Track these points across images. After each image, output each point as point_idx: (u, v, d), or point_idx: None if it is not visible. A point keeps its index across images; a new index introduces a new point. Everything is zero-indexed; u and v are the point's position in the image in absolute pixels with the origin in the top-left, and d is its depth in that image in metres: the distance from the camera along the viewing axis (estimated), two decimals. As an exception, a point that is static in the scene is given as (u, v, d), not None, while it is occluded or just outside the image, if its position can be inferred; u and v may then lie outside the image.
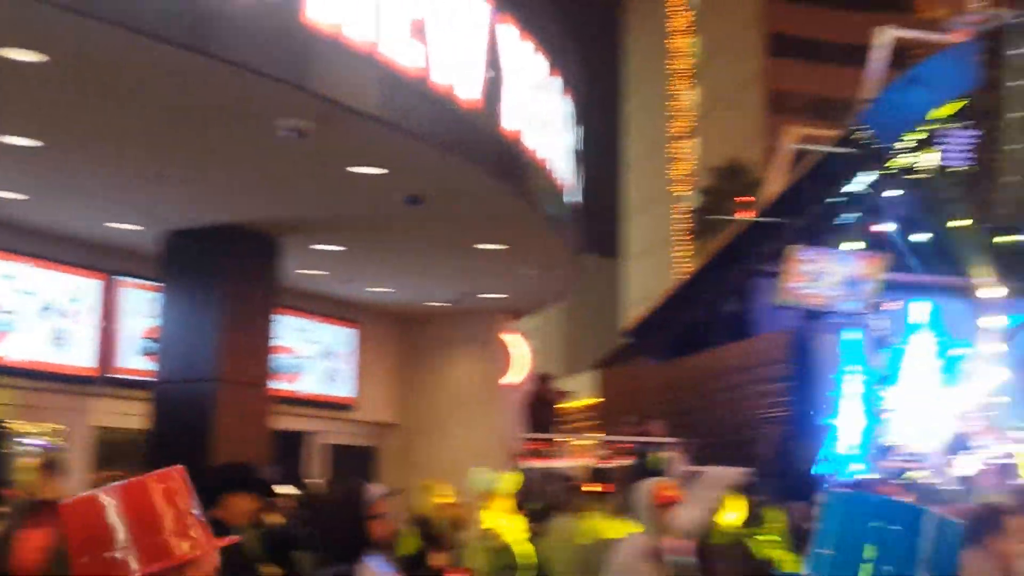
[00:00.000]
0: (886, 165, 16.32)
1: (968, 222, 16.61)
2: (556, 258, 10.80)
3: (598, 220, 41.18)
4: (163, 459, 2.32)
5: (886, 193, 16.31)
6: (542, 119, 8.95)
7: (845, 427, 15.62)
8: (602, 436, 16.68)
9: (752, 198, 29.58)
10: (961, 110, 15.70)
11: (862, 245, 16.84)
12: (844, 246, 16.63)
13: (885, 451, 15.92)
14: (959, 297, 19.08)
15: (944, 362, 18.45)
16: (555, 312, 52.04)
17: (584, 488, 9.23)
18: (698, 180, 48.42)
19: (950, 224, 17.27)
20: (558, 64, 9.38)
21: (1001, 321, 18.52)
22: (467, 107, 7.39)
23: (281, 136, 6.47)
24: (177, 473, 2.10)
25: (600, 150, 44.21)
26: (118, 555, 1.94)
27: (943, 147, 16.36)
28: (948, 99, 15.66)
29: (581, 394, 24.54)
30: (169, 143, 7.02)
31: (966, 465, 15.39)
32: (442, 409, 13.35)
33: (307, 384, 12.32)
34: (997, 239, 17.52)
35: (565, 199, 10.21)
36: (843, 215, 16.90)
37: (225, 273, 9.14)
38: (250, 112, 6.36)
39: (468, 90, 7.36)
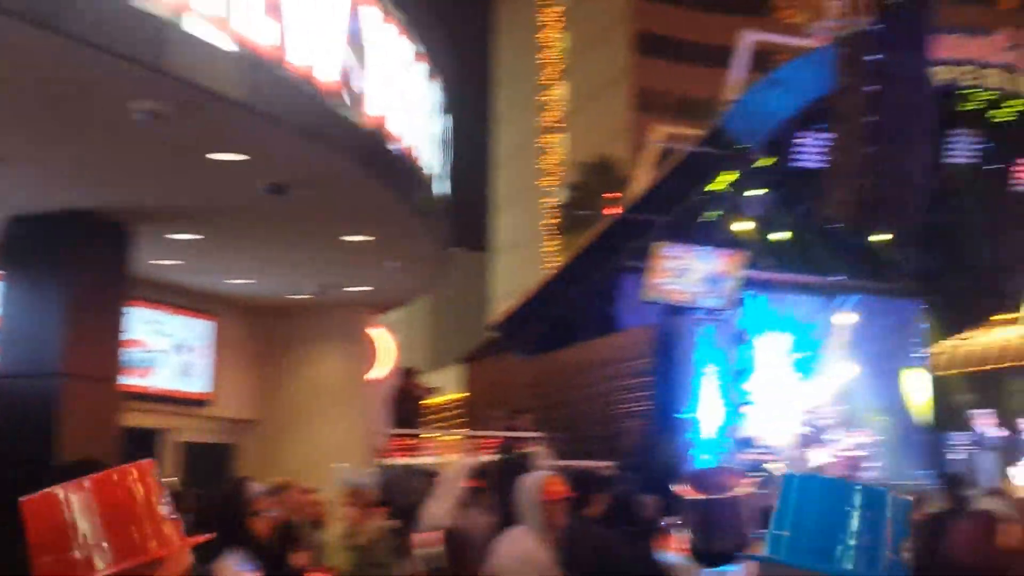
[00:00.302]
0: (747, 165, 16.68)
1: (823, 222, 17.10)
2: (423, 251, 10.64)
3: (467, 213, 41.18)
4: (5, 458, 2.09)
5: (747, 192, 16.67)
6: (408, 106, 8.74)
7: (705, 420, 15.93)
8: (469, 431, 16.60)
9: (620, 194, 29.94)
10: (818, 113, 16.14)
11: (724, 243, 17.19)
12: (707, 243, 16.94)
13: (743, 444, 16.31)
14: (814, 294, 19.71)
15: (798, 357, 19.05)
16: (421, 306, 51.81)
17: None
18: (567, 175, 48.86)
19: (807, 224, 17.79)
20: (424, 50, 9.18)
21: (851, 318, 19.21)
22: (327, 90, 7.14)
23: (135, 119, 6.14)
24: (147, 467, 2.00)
25: (469, 142, 44.13)
26: (80, 554, 1.86)
27: (801, 149, 16.82)
28: (806, 102, 16.09)
29: (447, 389, 24.41)
30: (11, 122, 6.58)
31: (818, 457, 15.90)
32: (304, 405, 13.02)
33: (160, 379, 11.81)
34: (853, 239, 18.14)
35: (433, 190, 10.05)
36: (706, 213, 17.22)
37: (72, 262, 8.66)
38: (101, 93, 6.00)
39: (328, 73, 7.10)
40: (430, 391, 15.93)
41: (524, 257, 51.80)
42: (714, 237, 17.18)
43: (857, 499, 1.86)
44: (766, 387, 17.76)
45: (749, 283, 17.98)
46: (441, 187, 10.46)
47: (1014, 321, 20.93)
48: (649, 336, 16.61)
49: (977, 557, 3.86)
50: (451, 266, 13.33)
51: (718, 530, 2.90)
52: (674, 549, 3.00)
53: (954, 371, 25.14)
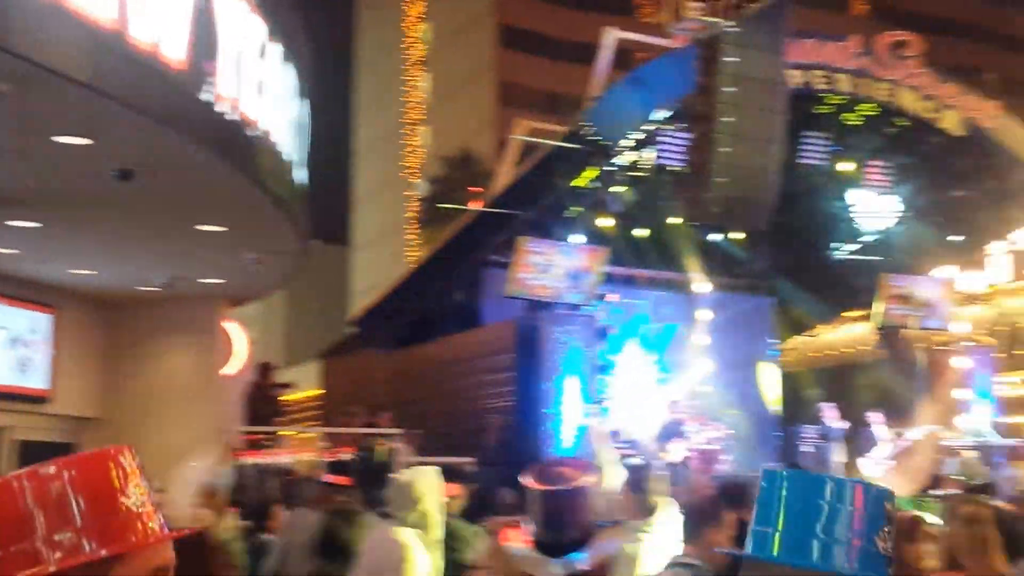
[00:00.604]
0: (610, 162, 16.79)
1: (681, 220, 17.38)
2: (281, 242, 10.27)
3: (326, 205, 40.35)
4: None
5: (610, 189, 16.79)
6: (263, 89, 8.34)
7: (567, 415, 15.97)
8: (326, 428, 16.24)
9: (483, 189, 29.88)
10: (679, 112, 16.36)
11: (586, 238, 17.28)
12: (570, 239, 16.99)
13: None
14: (673, 291, 20.04)
15: (657, 353, 19.33)
16: (277, 300, 50.72)
17: (325, 481, 8.89)
18: (429, 169, 48.56)
19: (666, 221, 18.05)
20: (279, 31, 8.79)
21: (708, 314, 19.61)
22: (176, 70, 6.74)
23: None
24: (122, 451, 1.80)
25: (329, 132, 43.39)
26: (42, 545, 1.67)
27: (661, 147, 17.04)
28: (667, 101, 16.29)
29: (304, 385, 23.91)
30: None
31: (676, 451, 16.12)
32: (152, 401, 12.45)
33: (-6, 375, 11.12)
34: (709, 236, 18.49)
35: (291, 179, 9.69)
36: (570, 208, 17.27)
37: None
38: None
39: (175, 51, 6.69)
40: (285, 387, 15.51)
41: (385, 251, 51.30)
42: (577, 232, 17.25)
43: (837, 493, 1.87)
44: (626, 382, 17.94)
45: (611, 279, 18.13)
46: (300, 176, 10.11)
47: (863, 317, 21.75)
48: (512, 331, 16.57)
49: None
50: (310, 259, 12.96)
51: (562, 521, 2.87)
52: (522, 541, 2.93)
53: (805, 366, 25.98)
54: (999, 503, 7.94)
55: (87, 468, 1.74)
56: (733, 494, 6.40)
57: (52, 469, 1.72)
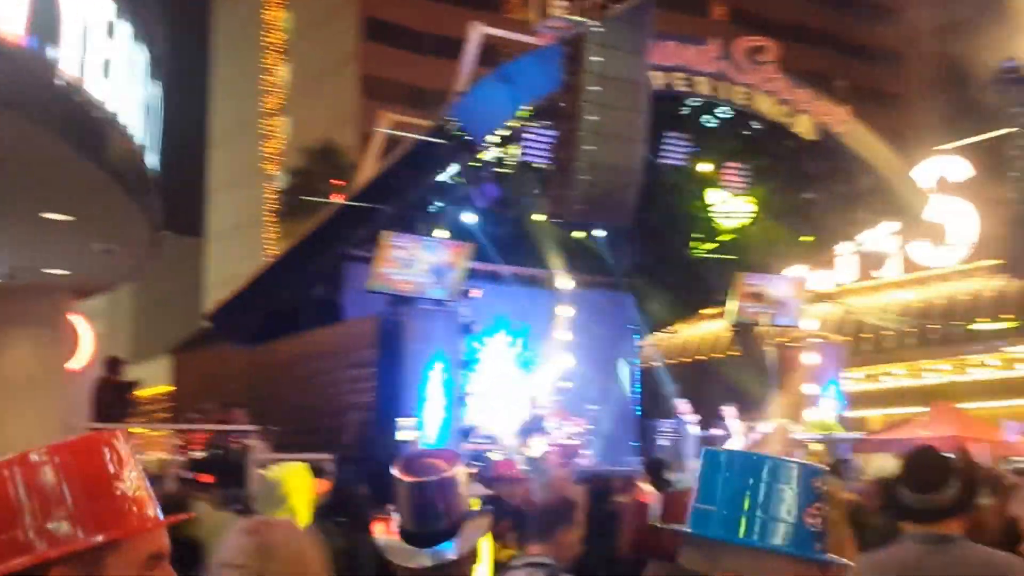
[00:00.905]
0: (475, 157, 16.74)
1: (545, 216, 17.46)
2: (132, 233, 9.81)
3: (180, 195, 39.14)
4: None
5: (474, 185, 16.74)
6: (109, 68, 7.85)
7: (429, 411, 15.87)
8: (177, 425, 15.70)
9: (345, 182, 29.48)
10: (544, 110, 16.43)
11: (450, 234, 17.20)
12: (434, 234, 16.88)
13: (465, 433, 16.38)
14: (536, 287, 20.16)
15: (520, 348, 19.43)
16: (126, 293, 49.01)
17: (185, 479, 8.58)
18: (289, 160, 47.62)
19: (530, 217, 18.11)
20: (129, 9, 8.31)
21: (569, 311, 19.80)
22: (12, 46, 6.30)
23: None
24: (115, 436, 1.76)
25: (184, 118, 42.10)
26: (32, 534, 1.62)
27: (525, 144, 17.09)
28: (532, 98, 16.33)
29: (155, 381, 23.15)
30: None
31: (537, 446, 16.21)
32: (-9, 398, 11.77)
33: None
34: (572, 233, 18.64)
35: (143, 166, 9.24)
36: (434, 204, 17.15)
37: None
38: None
39: (11, 26, 6.24)
40: (134, 384, 14.91)
41: (242, 244, 50.14)
42: (441, 228, 17.15)
43: (770, 472, 1.95)
44: (489, 378, 17.96)
45: (474, 275, 18.10)
46: (152, 162, 9.66)
47: (719, 315, 22.32)
48: (374, 326, 16.37)
49: (633, 536, 4.18)
50: (162, 251, 12.46)
51: (431, 512, 2.89)
52: (389, 532, 2.90)
53: (664, 362, 26.51)
54: (848, 494, 8.21)
55: (79, 453, 1.70)
56: (599, 488, 6.46)
57: (43, 455, 1.68)
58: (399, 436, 14.77)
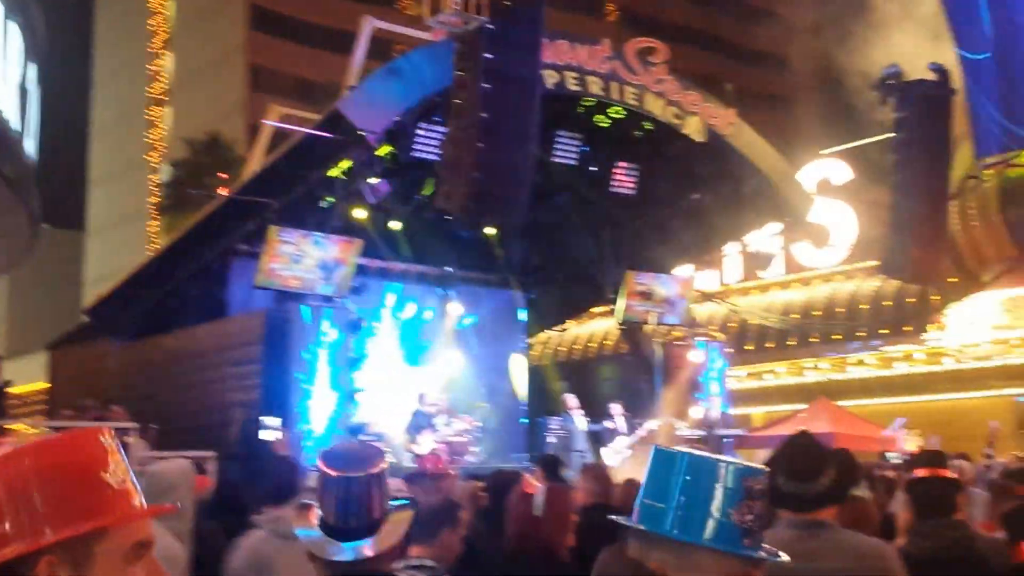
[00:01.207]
0: (365, 152, 16.54)
1: (436, 213, 17.36)
2: (7, 224, 9.43)
3: (58, 187, 37.84)
4: None
5: (364, 180, 16.53)
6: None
7: (316, 408, 15.67)
8: (53, 423, 15.18)
9: (232, 175, 28.88)
10: (436, 106, 16.34)
11: (340, 229, 17.00)
12: (323, 229, 16.66)
13: (354, 431, 16.21)
14: (427, 284, 20.09)
15: (410, 345, 19.35)
16: (1, 286, 47.19)
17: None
18: (174, 152, 46.45)
19: (421, 214, 18.02)
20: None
21: (459, 308, 19.78)
22: None
23: None
24: (94, 431, 1.81)
25: (62, 107, 40.69)
26: (10, 527, 1.68)
27: (417, 140, 16.97)
28: (424, 94, 16.22)
29: (31, 378, 22.40)
30: None
31: (424, 444, 16.16)
32: None
33: None
34: (463, 231, 18.61)
35: (19, 155, 8.87)
36: (324, 199, 16.91)
37: None
38: None
39: None
40: (7, 383, 14.38)
41: (124, 237, 48.74)
42: (330, 223, 16.93)
43: (696, 468, 2.05)
44: (378, 375, 17.82)
45: (364, 271, 17.93)
46: (29, 152, 9.28)
47: (608, 313, 22.57)
48: (260, 322, 16.08)
49: (519, 526, 4.25)
50: (40, 243, 12.01)
51: (351, 507, 2.93)
52: (310, 525, 2.92)
53: (553, 360, 26.73)
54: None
55: (66, 446, 1.77)
56: (501, 484, 6.47)
57: (30, 448, 1.74)
58: (263, 435, 14.49)
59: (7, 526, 1.69)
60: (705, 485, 2.04)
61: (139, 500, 1.81)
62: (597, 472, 6.47)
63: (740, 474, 2.05)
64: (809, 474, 3.76)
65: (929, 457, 4.78)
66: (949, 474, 4.63)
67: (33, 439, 1.78)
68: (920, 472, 4.64)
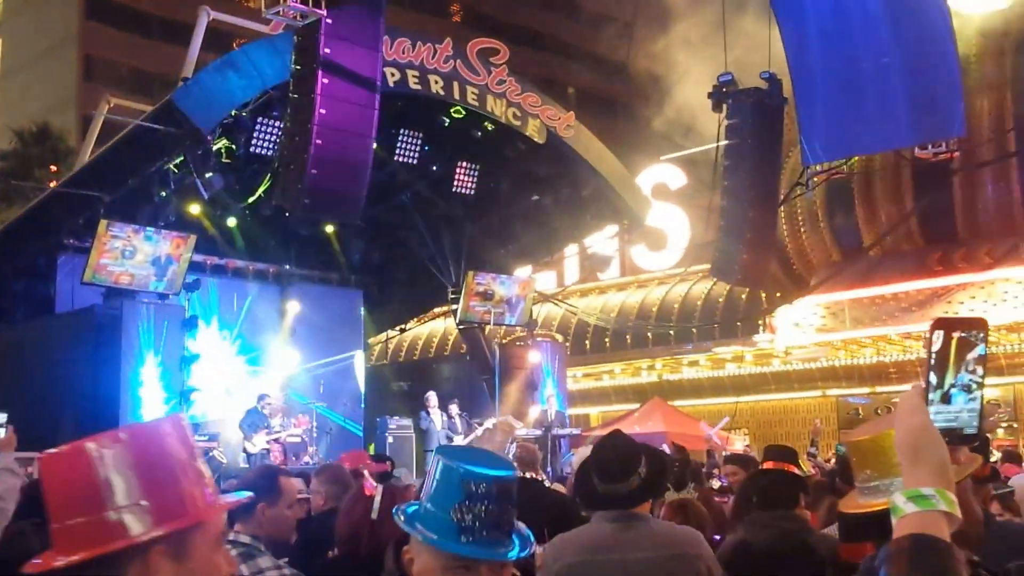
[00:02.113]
0: (201, 146, 16.17)
1: (273, 210, 17.12)
2: None
3: None
4: None
5: (200, 174, 16.17)
6: None
7: (147, 407, 15.25)
8: None
9: (62, 167, 27.75)
10: (273, 100, 16.12)
11: (173, 224, 16.59)
12: (155, 224, 16.22)
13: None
14: (264, 282, 19.78)
15: (246, 344, 19.01)
16: None
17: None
18: (1, 142, 44.23)
19: (258, 210, 17.73)
20: None
21: (297, 307, 19.53)
22: None
23: None
24: (180, 420, 1.87)
25: None
26: (115, 516, 1.72)
27: (254, 134, 16.70)
28: (261, 88, 15.97)
29: None
30: None
31: (258, 443, 15.93)
32: None
33: None
34: (301, 228, 18.42)
35: None
36: (157, 192, 16.44)
37: None
38: None
39: None
40: None
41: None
42: (164, 218, 16.50)
43: (439, 471, 2.24)
44: (212, 373, 17.45)
45: (199, 267, 17.53)
46: None
47: (448, 314, 22.67)
48: (88, 320, 15.54)
49: (352, 529, 4.30)
50: None
51: None
52: None
53: (392, 359, 26.67)
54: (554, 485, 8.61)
55: (160, 435, 1.80)
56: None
57: (126, 436, 1.77)
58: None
59: (108, 515, 1.73)
60: (440, 487, 2.22)
61: (216, 493, 1.87)
62: (334, 473, 5.83)
63: (462, 477, 2.21)
64: (621, 475, 3.97)
65: (778, 452, 4.90)
66: (795, 470, 4.76)
67: (131, 430, 1.82)
68: (767, 465, 4.81)
